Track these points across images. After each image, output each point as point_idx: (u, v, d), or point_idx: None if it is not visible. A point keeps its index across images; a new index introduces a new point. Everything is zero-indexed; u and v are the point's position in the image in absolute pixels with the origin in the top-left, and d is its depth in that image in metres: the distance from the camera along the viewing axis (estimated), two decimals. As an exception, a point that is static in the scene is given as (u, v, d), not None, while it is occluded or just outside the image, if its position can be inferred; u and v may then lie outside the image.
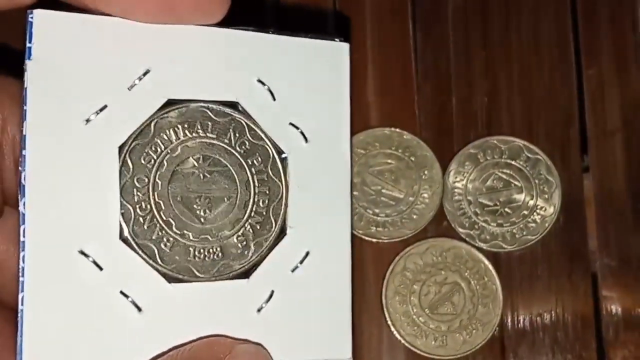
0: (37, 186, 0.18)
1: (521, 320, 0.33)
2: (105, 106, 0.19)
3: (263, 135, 0.20)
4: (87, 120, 0.19)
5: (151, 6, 0.19)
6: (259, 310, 0.20)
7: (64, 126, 0.18)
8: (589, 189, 0.34)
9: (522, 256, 0.34)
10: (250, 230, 0.20)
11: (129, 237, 0.19)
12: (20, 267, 0.18)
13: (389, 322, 0.33)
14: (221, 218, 0.20)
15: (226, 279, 0.20)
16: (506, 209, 0.34)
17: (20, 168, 0.18)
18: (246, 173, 0.20)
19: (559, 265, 0.34)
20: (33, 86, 0.18)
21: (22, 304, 0.18)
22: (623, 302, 0.33)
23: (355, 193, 0.33)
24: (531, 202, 0.34)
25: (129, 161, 0.19)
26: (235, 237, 0.20)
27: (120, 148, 0.19)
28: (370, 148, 0.34)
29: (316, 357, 0.21)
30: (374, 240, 0.33)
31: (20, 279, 0.18)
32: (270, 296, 0.20)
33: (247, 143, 0.20)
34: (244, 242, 0.20)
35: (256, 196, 0.20)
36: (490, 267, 0.33)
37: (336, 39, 0.22)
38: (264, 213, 0.20)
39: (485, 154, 0.34)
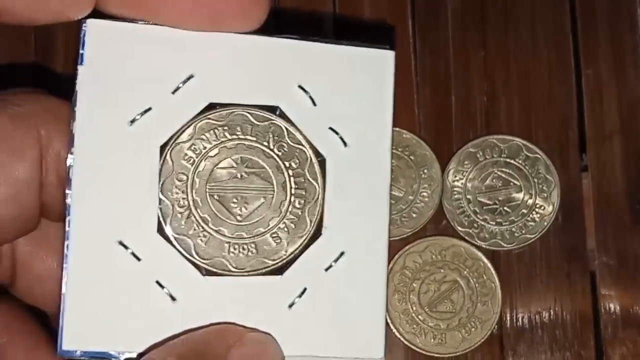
0: (83, 181, 0.20)
1: (520, 319, 0.33)
2: (150, 108, 0.20)
3: (302, 139, 0.21)
4: (132, 121, 0.20)
5: (201, 16, 0.20)
6: (290, 306, 0.21)
7: (110, 126, 0.20)
8: (587, 188, 0.34)
9: (521, 255, 0.34)
10: (286, 229, 0.21)
11: (167, 231, 0.20)
12: (64, 254, 0.20)
13: (388, 320, 0.33)
14: (257, 217, 0.21)
15: (259, 275, 0.21)
16: (505, 208, 0.34)
17: (68, 162, 0.20)
18: (283, 175, 0.21)
19: (557, 264, 0.34)
20: (83, 89, 0.20)
21: (65, 289, 0.20)
22: (621, 300, 0.33)
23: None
24: (530, 201, 0.34)
25: (169, 160, 0.20)
26: (269, 235, 0.21)
27: (162, 147, 0.20)
28: (370, 147, 0.34)
29: (348, 354, 0.21)
30: (374, 238, 0.34)
31: (64, 265, 0.20)
32: (303, 293, 0.21)
33: (285, 146, 0.21)
34: (279, 241, 0.21)
35: (292, 197, 0.21)
36: (489, 265, 0.33)
37: (382, 47, 0.22)
38: (300, 213, 0.21)
39: (484, 152, 0.34)
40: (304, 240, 0.21)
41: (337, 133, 0.21)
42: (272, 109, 0.21)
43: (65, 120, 0.20)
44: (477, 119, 0.35)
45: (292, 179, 0.21)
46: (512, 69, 0.35)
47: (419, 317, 0.33)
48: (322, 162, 0.21)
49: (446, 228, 0.34)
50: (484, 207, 0.34)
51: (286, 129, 0.21)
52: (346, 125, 0.21)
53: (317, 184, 0.21)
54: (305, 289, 0.21)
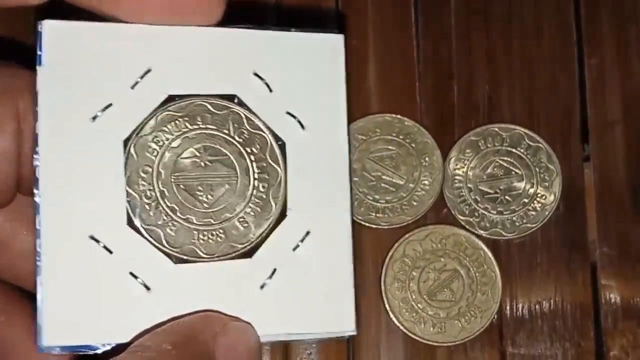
0: (50, 179, 0.20)
1: (520, 308, 0.33)
2: (111, 104, 0.21)
3: (261, 125, 0.22)
4: (94, 118, 0.20)
5: (155, 8, 0.20)
6: (261, 287, 0.21)
7: (73, 124, 0.20)
8: (589, 178, 0.34)
9: (522, 244, 0.34)
10: (252, 213, 0.21)
11: (136, 223, 0.21)
12: (36, 251, 0.20)
13: (388, 309, 0.33)
14: (223, 203, 0.21)
15: (229, 259, 0.21)
16: (506, 197, 0.34)
17: (34, 162, 0.20)
18: (245, 160, 0.21)
19: (558, 254, 0.34)
20: (43, 89, 0.20)
21: (40, 286, 0.20)
22: (622, 291, 0.33)
23: (355, 179, 0.33)
24: (531, 190, 0.34)
25: (133, 153, 0.21)
26: (237, 219, 0.21)
27: (125, 141, 0.21)
28: (371, 134, 0.34)
29: (320, 330, 0.22)
30: (374, 226, 0.33)
31: (37, 263, 0.20)
32: (273, 273, 0.21)
33: (245, 132, 0.21)
34: (246, 225, 0.21)
35: (256, 181, 0.21)
36: (490, 254, 0.33)
37: (331, 31, 0.22)
38: (264, 197, 0.21)
39: (486, 141, 0.34)
40: (270, 223, 0.21)
41: (294, 117, 0.22)
42: (230, 98, 0.21)
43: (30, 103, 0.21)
44: (479, 108, 0.35)
45: (254, 163, 0.21)
46: (515, 57, 0.35)
47: (419, 305, 0.33)
48: (282, 146, 0.22)
49: (447, 216, 0.34)
50: (485, 196, 0.34)
51: (245, 115, 0.21)
52: (302, 109, 0.22)
53: (279, 167, 0.22)
54: (275, 270, 0.21)
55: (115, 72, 0.21)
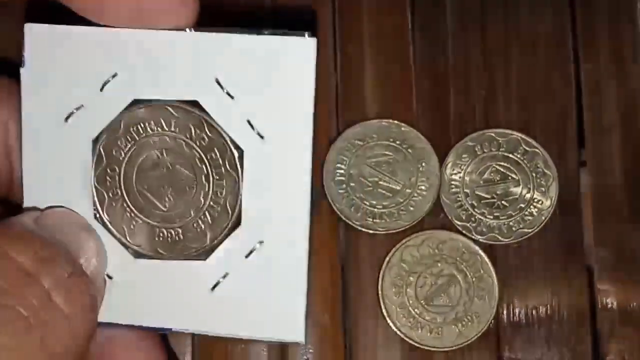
0: (31, 174, 0.22)
1: (516, 313, 0.33)
2: (82, 105, 0.22)
3: (221, 132, 0.22)
4: (67, 118, 0.22)
5: (124, 10, 0.21)
6: (212, 289, 0.22)
7: (50, 124, 0.22)
8: (585, 182, 0.34)
9: (519, 249, 0.34)
10: (208, 218, 0.22)
11: (103, 218, 0.22)
12: None
13: (385, 314, 0.33)
14: (182, 206, 0.22)
15: (185, 259, 0.22)
16: (503, 202, 0.34)
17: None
18: (205, 166, 0.22)
19: (555, 259, 0.34)
20: (25, 90, 0.22)
21: None
22: (618, 296, 0.33)
23: (351, 184, 0.34)
24: (528, 195, 0.34)
25: (102, 153, 0.22)
26: (194, 223, 0.22)
27: (95, 141, 0.22)
28: (368, 139, 0.34)
29: (269, 335, 0.23)
30: (370, 231, 0.33)
31: None
32: (224, 277, 0.22)
33: (205, 139, 0.22)
34: (202, 228, 0.22)
35: (214, 187, 0.22)
36: (487, 259, 0.33)
37: (303, 34, 0.22)
38: (221, 203, 0.22)
39: (482, 146, 0.34)
40: (225, 229, 0.22)
41: (253, 127, 0.22)
42: (193, 103, 0.22)
43: (11, 94, 0.22)
44: (476, 113, 0.35)
45: (213, 170, 0.22)
46: (511, 62, 0.35)
47: (416, 310, 0.33)
48: (241, 155, 0.22)
49: (444, 222, 0.34)
50: (482, 201, 0.34)
51: (206, 122, 0.22)
52: (264, 118, 0.22)
53: (236, 175, 0.22)
54: (227, 274, 0.22)
55: (86, 74, 0.22)
